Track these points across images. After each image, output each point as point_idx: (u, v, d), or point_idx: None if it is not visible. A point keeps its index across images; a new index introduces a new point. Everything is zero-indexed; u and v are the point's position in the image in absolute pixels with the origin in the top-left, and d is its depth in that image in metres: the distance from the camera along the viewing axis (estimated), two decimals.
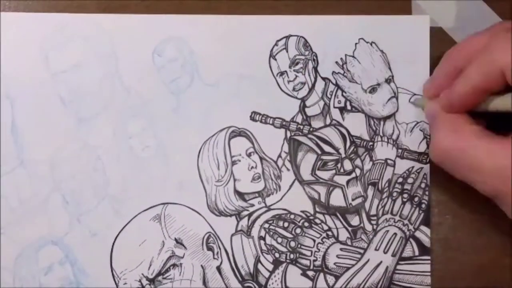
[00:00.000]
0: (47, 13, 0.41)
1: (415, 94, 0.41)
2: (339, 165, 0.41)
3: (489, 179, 0.34)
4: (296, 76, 0.42)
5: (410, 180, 0.41)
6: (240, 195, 0.41)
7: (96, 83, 0.41)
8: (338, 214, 0.41)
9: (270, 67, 0.42)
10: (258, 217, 0.41)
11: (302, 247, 0.41)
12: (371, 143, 0.41)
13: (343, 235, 0.41)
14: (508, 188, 0.34)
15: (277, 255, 0.40)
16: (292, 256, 0.40)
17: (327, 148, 0.41)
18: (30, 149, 0.41)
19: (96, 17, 0.41)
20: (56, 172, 0.41)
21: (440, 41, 0.41)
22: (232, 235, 0.41)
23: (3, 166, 0.40)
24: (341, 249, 0.41)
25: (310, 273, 0.40)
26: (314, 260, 0.40)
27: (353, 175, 0.41)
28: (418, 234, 0.40)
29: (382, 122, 0.41)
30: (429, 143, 0.38)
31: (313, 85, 0.42)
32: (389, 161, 0.41)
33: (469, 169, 0.35)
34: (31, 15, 0.41)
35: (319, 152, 0.41)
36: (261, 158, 0.41)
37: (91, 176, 0.41)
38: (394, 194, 0.41)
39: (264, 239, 0.41)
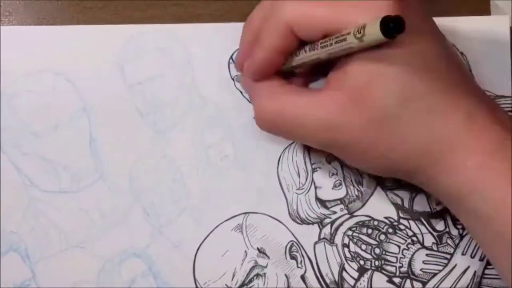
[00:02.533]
0: (121, 25, 0.41)
1: (497, 96, 0.41)
2: None
3: (317, 132, 0.34)
4: None
5: None
6: (322, 202, 0.41)
7: (172, 93, 0.41)
8: (423, 219, 0.40)
9: None
10: (341, 224, 0.41)
11: (387, 253, 0.40)
12: None
13: (429, 240, 0.40)
14: (338, 135, 0.34)
15: (362, 262, 0.40)
16: (377, 263, 0.40)
17: None
18: (109, 162, 0.40)
19: (171, 27, 0.41)
20: (136, 184, 0.40)
21: None
22: (315, 243, 0.40)
23: (83, 180, 0.40)
24: (427, 255, 0.40)
25: (396, 279, 0.40)
26: (400, 267, 0.40)
27: None
28: None
29: None
30: (253, 112, 0.38)
31: None
32: None
33: (296, 127, 0.35)
34: (105, 27, 0.41)
35: None
36: (341, 165, 0.41)
37: (171, 187, 0.41)
38: None
39: (348, 246, 0.40)
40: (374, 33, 0.30)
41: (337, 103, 0.33)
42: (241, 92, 0.41)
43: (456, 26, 0.41)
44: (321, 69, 0.38)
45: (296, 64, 0.36)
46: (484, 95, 0.35)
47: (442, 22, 0.41)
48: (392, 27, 0.29)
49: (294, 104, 0.35)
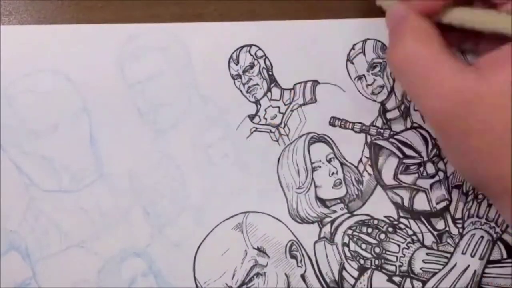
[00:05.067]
0: (122, 24, 0.41)
1: None
2: (421, 168, 0.41)
3: (440, 100, 0.32)
4: (375, 80, 0.41)
5: None
6: (322, 201, 0.41)
7: (172, 93, 0.41)
8: (423, 218, 0.40)
9: (348, 71, 0.41)
10: (341, 223, 0.41)
11: (387, 252, 0.40)
12: None
13: (429, 239, 0.40)
14: (456, 116, 0.31)
15: (362, 261, 0.40)
16: (377, 262, 0.40)
17: (408, 151, 0.41)
18: (109, 161, 0.40)
19: (171, 26, 0.41)
20: (136, 183, 0.40)
21: None
22: (315, 242, 0.40)
23: (83, 179, 0.40)
24: (427, 254, 0.40)
25: (396, 278, 0.40)
26: (400, 266, 0.40)
27: (437, 178, 0.41)
28: (505, 236, 0.40)
29: None
30: (388, 49, 0.35)
31: (392, 88, 0.41)
32: None
33: (424, 81, 0.32)
34: (106, 26, 0.41)
35: (400, 156, 0.41)
36: (341, 164, 0.41)
37: (171, 186, 0.40)
38: (480, 196, 0.40)
39: (348, 245, 0.40)
40: None
41: (481, 91, 0.31)
42: (241, 92, 0.41)
43: None
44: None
45: (452, 20, 0.35)
46: None
47: None
48: None
49: (440, 58, 0.32)
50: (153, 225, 0.40)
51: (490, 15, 0.34)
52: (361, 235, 0.40)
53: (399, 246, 0.40)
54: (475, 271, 0.40)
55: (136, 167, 0.40)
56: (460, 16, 0.35)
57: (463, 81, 0.31)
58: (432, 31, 0.34)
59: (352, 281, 0.40)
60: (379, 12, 0.40)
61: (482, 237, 0.40)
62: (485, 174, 0.32)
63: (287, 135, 0.41)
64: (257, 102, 0.41)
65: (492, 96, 0.31)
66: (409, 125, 0.41)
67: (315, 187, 0.41)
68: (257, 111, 0.41)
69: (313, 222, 0.40)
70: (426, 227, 0.40)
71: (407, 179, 0.41)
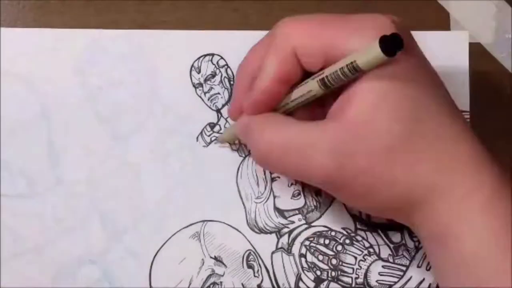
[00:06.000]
0: (82, 29, 0.41)
1: None
2: None
3: (324, 164, 0.32)
4: None
5: None
6: (280, 212, 0.41)
7: (133, 100, 0.41)
8: (380, 231, 0.41)
9: None
10: (299, 234, 0.41)
11: (344, 264, 0.40)
12: None
13: (385, 252, 0.40)
14: (346, 165, 0.32)
15: (318, 272, 0.40)
16: (333, 273, 0.40)
17: None
18: (66, 167, 0.40)
19: (133, 33, 0.41)
20: (94, 190, 0.40)
21: (479, 57, 0.42)
22: (273, 252, 0.40)
23: (39, 186, 0.40)
24: (383, 266, 0.40)
25: None
26: (356, 278, 0.40)
27: None
28: None
29: None
30: (251, 151, 0.36)
31: None
32: None
33: (298, 159, 0.33)
34: (67, 31, 0.41)
35: None
36: None
37: (129, 194, 0.40)
38: None
39: (305, 256, 0.40)
40: (374, 53, 0.30)
41: (346, 130, 0.32)
42: (202, 100, 0.41)
43: (416, 40, 0.41)
44: (317, 111, 0.37)
45: (293, 105, 0.36)
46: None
47: None
48: (391, 44, 0.29)
49: (302, 135, 0.33)
50: (110, 232, 0.40)
51: (302, 87, 0.35)
52: (318, 246, 0.40)
53: (355, 258, 0.40)
54: (430, 284, 0.40)
55: (94, 173, 0.40)
56: (288, 101, 0.36)
57: (326, 138, 0.32)
58: (277, 117, 0.35)
59: None
60: None
61: None
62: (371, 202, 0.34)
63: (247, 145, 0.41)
64: (218, 111, 0.41)
65: (349, 134, 0.32)
66: None
67: (274, 197, 0.41)
68: (218, 120, 0.41)
69: (271, 233, 0.41)
70: (383, 239, 0.41)
71: None
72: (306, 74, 0.35)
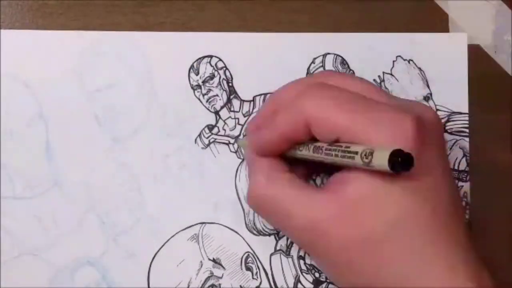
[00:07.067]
0: (81, 31, 0.41)
1: (453, 112, 0.41)
2: None
3: (303, 230, 0.34)
4: None
5: None
6: None
7: (131, 101, 0.41)
8: None
9: None
10: None
11: None
12: None
13: None
14: (322, 242, 0.33)
15: (317, 274, 0.40)
16: None
17: None
18: (64, 169, 0.40)
19: (131, 34, 0.41)
20: (92, 192, 0.40)
21: (478, 59, 0.41)
22: (271, 254, 0.40)
23: (37, 187, 0.40)
24: None
25: None
26: None
27: None
28: None
29: None
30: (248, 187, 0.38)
31: None
32: None
33: (281, 217, 0.35)
34: (64, 33, 0.41)
35: None
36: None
37: (127, 196, 0.40)
38: None
39: (303, 258, 0.40)
40: (381, 161, 0.30)
41: (331, 209, 0.33)
42: (201, 102, 0.41)
43: (415, 42, 0.42)
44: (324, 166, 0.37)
45: (299, 157, 0.36)
46: (471, 249, 0.33)
47: (402, 38, 0.41)
48: (400, 162, 0.29)
49: (288, 195, 0.35)
50: (108, 234, 0.40)
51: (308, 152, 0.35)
52: None
53: None
54: None
55: (92, 175, 0.40)
56: (296, 154, 0.36)
57: (313, 207, 0.34)
58: (280, 168, 0.36)
59: None
60: (341, 27, 0.40)
61: None
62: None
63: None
64: (216, 113, 0.41)
65: (338, 212, 0.33)
66: None
67: None
68: (216, 122, 0.41)
69: (269, 235, 0.40)
70: None
71: None
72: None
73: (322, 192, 0.34)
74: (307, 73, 0.41)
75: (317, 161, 0.35)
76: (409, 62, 0.42)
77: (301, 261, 0.40)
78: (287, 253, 0.40)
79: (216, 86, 0.41)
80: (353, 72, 0.42)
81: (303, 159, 0.36)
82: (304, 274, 0.40)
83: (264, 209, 0.37)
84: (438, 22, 0.42)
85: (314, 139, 0.35)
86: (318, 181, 0.41)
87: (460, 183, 0.41)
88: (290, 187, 0.35)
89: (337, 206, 0.33)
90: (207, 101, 0.41)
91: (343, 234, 0.33)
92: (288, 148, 0.36)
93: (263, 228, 0.40)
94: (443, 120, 0.41)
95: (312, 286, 0.40)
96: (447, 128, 0.41)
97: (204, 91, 0.41)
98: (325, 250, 0.34)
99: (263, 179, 0.36)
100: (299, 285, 0.40)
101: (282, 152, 0.37)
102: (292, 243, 0.40)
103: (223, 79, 0.41)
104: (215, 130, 0.41)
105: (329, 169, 0.37)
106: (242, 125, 0.41)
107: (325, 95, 0.34)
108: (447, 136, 0.41)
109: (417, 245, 0.32)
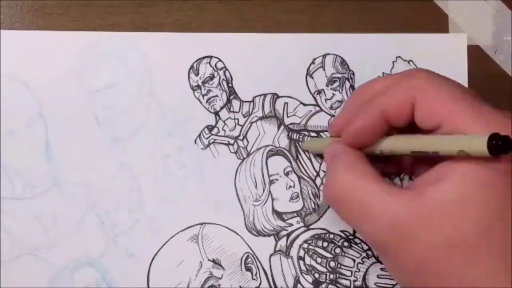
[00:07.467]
0: (81, 32, 0.41)
1: None
2: None
3: (378, 227, 0.32)
4: (333, 95, 0.42)
5: None
6: (278, 214, 0.41)
7: (131, 102, 0.41)
8: None
9: (307, 85, 0.41)
10: (297, 237, 0.41)
11: (342, 267, 0.40)
12: None
13: None
14: (395, 240, 0.32)
15: (316, 275, 0.40)
16: (332, 276, 0.40)
17: None
18: (64, 169, 0.40)
19: (131, 35, 0.41)
20: (91, 192, 0.40)
21: (478, 59, 0.41)
22: (271, 255, 0.40)
23: (37, 187, 0.40)
24: (381, 269, 0.40)
25: None
26: (355, 280, 0.40)
27: None
28: None
29: None
30: (324, 185, 0.37)
31: None
32: None
33: (360, 212, 0.33)
34: (64, 33, 0.41)
35: None
36: (299, 177, 0.41)
37: (127, 196, 0.40)
38: None
39: (303, 259, 0.40)
40: (479, 147, 0.29)
41: (415, 208, 0.31)
42: (200, 102, 0.41)
43: (415, 42, 0.42)
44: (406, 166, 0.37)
45: (383, 149, 0.36)
46: None
47: (401, 38, 0.41)
48: (499, 145, 0.29)
49: (372, 189, 0.33)
50: (108, 234, 0.40)
51: (421, 140, 0.34)
52: (316, 249, 0.40)
53: (354, 260, 0.40)
54: None
55: (92, 175, 0.40)
56: (391, 144, 0.35)
57: (397, 204, 0.32)
58: (363, 163, 0.35)
59: None
60: (340, 27, 0.40)
61: None
62: None
63: (246, 148, 0.41)
64: (216, 114, 0.41)
65: (425, 213, 0.31)
66: None
67: (272, 200, 0.41)
68: (216, 122, 0.41)
69: (269, 235, 0.40)
70: None
71: None
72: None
73: (407, 190, 0.33)
74: (307, 73, 0.41)
75: (404, 152, 0.34)
76: (409, 62, 0.42)
77: (301, 262, 0.40)
78: (286, 253, 0.40)
79: (216, 87, 0.41)
80: (353, 73, 0.42)
81: (387, 154, 0.35)
82: (303, 274, 0.40)
83: (343, 203, 0.34)
84: (438, 23, 0.42)
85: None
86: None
87: None
88: (376, 182, 0.33)
89: (423, 206, 0.31)
90: (207, 102, 0.41)
91: (430, 237, 0.31)
92: (381, 132, 0.35)
93: (262, 229, 0.40)
94: None
95: (311, 286, 0.40)
96: None
97: (203, 92, 0.41)
98: (408, 252, 0.31)
99: (349, 172, 0.34)
100: (298, 285, 0.40)
101: (375, 141, 0.35)
102: (292, 243, 0.40)
103: (223, 79, 0.41)
104: (214, 131, 0.41)
105: (406, 170, 0.37)
106: (242, 126, 0.41)
107: (437, 76, 0.33)
108: None
109: (503, 255, 0.30)
